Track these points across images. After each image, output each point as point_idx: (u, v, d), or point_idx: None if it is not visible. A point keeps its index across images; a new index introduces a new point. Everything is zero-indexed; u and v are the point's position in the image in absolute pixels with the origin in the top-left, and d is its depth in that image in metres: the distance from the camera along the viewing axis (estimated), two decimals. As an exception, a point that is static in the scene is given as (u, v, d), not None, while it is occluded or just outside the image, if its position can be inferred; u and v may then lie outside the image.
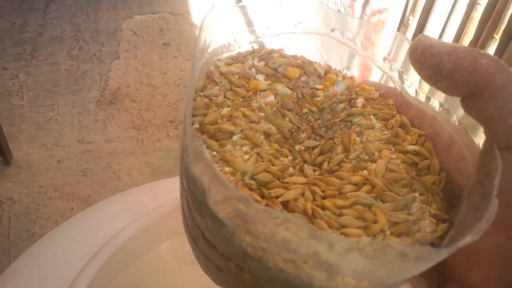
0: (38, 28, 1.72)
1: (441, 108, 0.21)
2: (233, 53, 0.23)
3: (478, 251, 0.16)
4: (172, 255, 0.45)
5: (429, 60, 0.17)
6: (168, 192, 0.39)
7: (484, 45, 0.88)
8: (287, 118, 0.20)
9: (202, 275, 0.50)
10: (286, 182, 0.18)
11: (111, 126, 1.38)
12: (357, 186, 0.18)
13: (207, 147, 0.18)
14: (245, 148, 0.18)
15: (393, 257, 0.14)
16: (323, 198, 0.18)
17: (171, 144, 1.35)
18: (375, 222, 0.17)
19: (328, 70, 0.24)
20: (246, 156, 0.18)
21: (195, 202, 0.17)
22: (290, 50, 0.24)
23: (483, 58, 0.17)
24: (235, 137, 0.19)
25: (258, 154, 0.18)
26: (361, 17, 1.29)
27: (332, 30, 0.24)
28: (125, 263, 0.34)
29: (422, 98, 0.22)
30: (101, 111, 1.43)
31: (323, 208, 0.17)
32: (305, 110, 0.21)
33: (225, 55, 0.23)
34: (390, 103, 0.23)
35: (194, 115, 0.19)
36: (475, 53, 0.17)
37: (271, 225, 0.14)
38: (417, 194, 0.19)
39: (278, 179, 0.18)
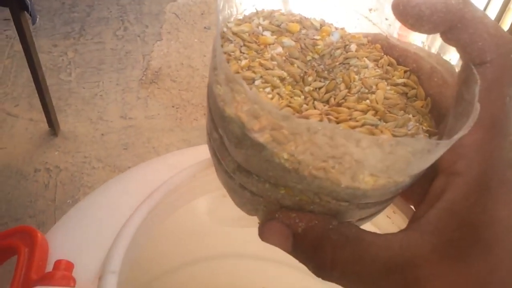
0: (86, 8, 1.80)
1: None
2: (240, 16, 0.27)
3: (462, 146, 0.21)
4: (210, 216, 0.50)
5: (410, 12, 0.21)
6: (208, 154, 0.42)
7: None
8: (295, 65, 0.24)
9: (234, 237, 0.54)
10: (305, 114, 0.22)
11: (152, 104, 1.45)
12: (363, 112, 0.22)
13: None
14: (267, 90, 0.22)
15: (405, 150, 0.18)
16: (337, 123, 0.21)
17: (208, 123, 1.40)
18: None
19: (322, 24, 0.27)
20: (270, 96, 0.22)
21: (232, 139, 0.21)
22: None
23: None
24: (257, 82, 0.23)
25: (278, 94, 0.22)
26: None
27: None
28: (169, 210, 0.38)
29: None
30: (143, 89, 1.50)
31: None
32: (309, 58, 0.25)
33: (232, 18, 0.26)
34: (378, 47, 0.27)
35: (216, 69, 0.23)
36: None
37: (310, 134, 0.18)
38: (411, 116, 0.23)
39: (298, 112, 0.22)
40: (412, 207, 0.26)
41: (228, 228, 0.50)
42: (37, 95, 1.24)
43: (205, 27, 1.76)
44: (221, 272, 0.55)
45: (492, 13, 1.02)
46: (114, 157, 1.29)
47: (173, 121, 1.40)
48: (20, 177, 1.23)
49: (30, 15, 1.07)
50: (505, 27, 0.96)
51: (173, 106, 1.45)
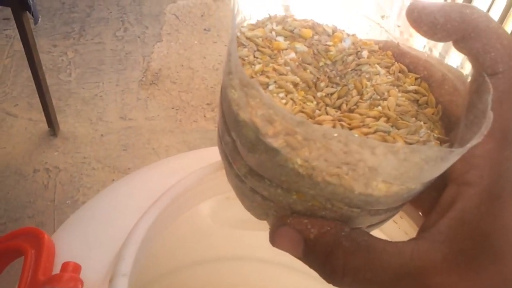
0: (86, 8, 1.80)
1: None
2: (252, 21, 0.27)
3: (473, 156, 0.21)
4: (212, 218, 0.50)
5: (424, 19, 0.21)
6: (211, 157, 0.42)
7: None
8: (308, 71, 0.24)
9: (239, 240, 0.54)
10: (318, 120, 0.22)
11: (152, 105, 1.45)
12: (375, 118, 0.22)
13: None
14: (281, 95, 0.22)
15: (419, 158, 0.18)
16: (350, 129, 0.22)
17: (208, 125, 1.41)
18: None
19: (334, 30, 0.28)
20: (284, 101, 0.22)
21: (246, 143, 0.21)
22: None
23: (466, 9, 0.21)
24: (270, 87, 0.23)
25: (291, 99, 0.22)
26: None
27: None
28: (177, 213, 0.39)
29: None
30: (142, 90, 1.50)
31: None
32: (321, 64, 0.25)
33: (246, 23, 0.27)
34: (389, 54, 0.27)
35: (231, 73, 0.23)
36: (459, 5, 0.21)
37: (325, 140, 0.18)
38: (422, 123, 0.23)
39: (310, 118, 0.22)
40: (420, 213, 0.27)
41: (232, 230, 0.50)
42: (36, 95, 1.24)
43: (205, 29, 1.76)
44: (225, 273, 0.55)
45: (494, 17, 1.03)
46: (113, 158, 1.29)
47: (173, 123, 1.40)
48: (19, 177, 1.23)
49: (32, 15, 1.07)
50: (508, 29, 0.96)
51: (173, 108, 1.45)
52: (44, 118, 1.31)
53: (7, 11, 1.08)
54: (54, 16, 1.75)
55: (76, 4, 1.81)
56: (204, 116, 1.43)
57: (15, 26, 1.09)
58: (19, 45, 1.15)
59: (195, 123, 1.41)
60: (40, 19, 1.10)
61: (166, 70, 1.57)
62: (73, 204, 1.17)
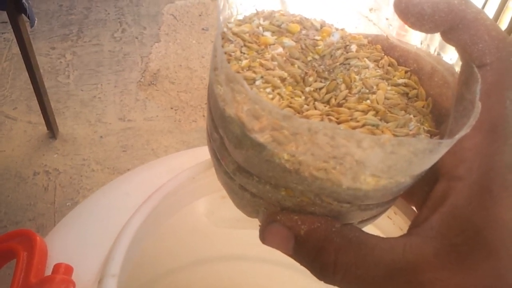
0: (84, 10, 1.80)
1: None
2: (240, 17, 0.27)
3: (462, 150, 0.21)
4: (208, 217, 0.49)
5: (412, 10, 0.21)
6: (208, 155, 0.42)
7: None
8: (296, 65, 0.24)
9: (236, 239, 0.54)
10: (306, 115, 0.22)
11: (151, 106, 1.45)
12: (364, 112, 0.22)
13: None
14: (268, 90, 0.22)
15: (406, 150, 0.18)
16: (338, 123, 0.21)
17: (207, 125, 1.40)
18: None
19: (323, 24, 0.27)
20: (270, 96, 0.22)
21: (232, 139, 0.21)
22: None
23: None
24: (257, 82, 0.22)
25: (279, 94, 0.22)
26: None
27: None
28: (169, 213, 0.38)
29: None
30: (141, 91, 1.49)
31: None
32: (309, 58, 0.25)
33: (233, 18, 0.26)
34: (378, 47, 0.27)
35: (217, 69, 0.23)
36: None
37: (311, 134, 0.18)
38: (412, 116, 0.23)
39: (298, 113, 0.22)
40: (414, 208, 0.26)
41: (227, 229, 0.50)
42: (35, 97, 1.24)
43: (203, 28, 1.76)
44: (223, 273, 0.55)
45: (489, 12, 1.03)
46: (113, 159, 1.29)
47: (171, 123, 1.40)
48: (19, 180, 1.23)
49: (28, 18, 1.07)
50: (503, 26, 0.96)
51: (171, 108, 1.44)
52: (43, 121, 1.31)
53: (5, 15, 1.08)
54: (52, 18, 1.75)
55: (73, 6, 1.81)
56: (203, 116, 1.43)
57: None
58: (17, 48, 1.14)
59: (194, 123, 1.41)
60: (36, 21, 1.09)
61: (164, 71, 1.57)
62: (73, 206, 1.17)
